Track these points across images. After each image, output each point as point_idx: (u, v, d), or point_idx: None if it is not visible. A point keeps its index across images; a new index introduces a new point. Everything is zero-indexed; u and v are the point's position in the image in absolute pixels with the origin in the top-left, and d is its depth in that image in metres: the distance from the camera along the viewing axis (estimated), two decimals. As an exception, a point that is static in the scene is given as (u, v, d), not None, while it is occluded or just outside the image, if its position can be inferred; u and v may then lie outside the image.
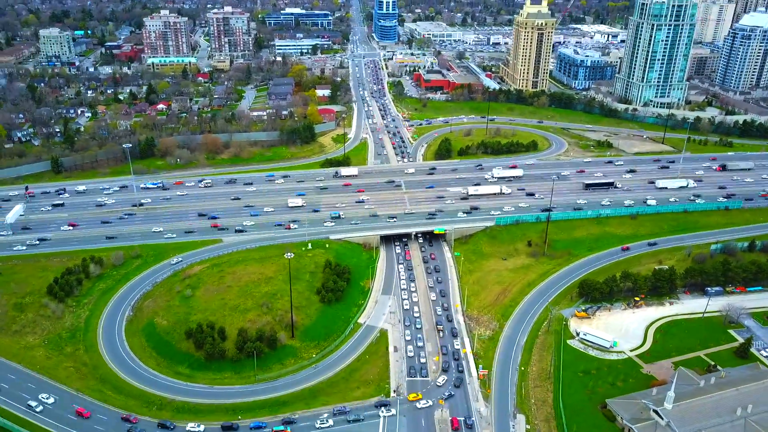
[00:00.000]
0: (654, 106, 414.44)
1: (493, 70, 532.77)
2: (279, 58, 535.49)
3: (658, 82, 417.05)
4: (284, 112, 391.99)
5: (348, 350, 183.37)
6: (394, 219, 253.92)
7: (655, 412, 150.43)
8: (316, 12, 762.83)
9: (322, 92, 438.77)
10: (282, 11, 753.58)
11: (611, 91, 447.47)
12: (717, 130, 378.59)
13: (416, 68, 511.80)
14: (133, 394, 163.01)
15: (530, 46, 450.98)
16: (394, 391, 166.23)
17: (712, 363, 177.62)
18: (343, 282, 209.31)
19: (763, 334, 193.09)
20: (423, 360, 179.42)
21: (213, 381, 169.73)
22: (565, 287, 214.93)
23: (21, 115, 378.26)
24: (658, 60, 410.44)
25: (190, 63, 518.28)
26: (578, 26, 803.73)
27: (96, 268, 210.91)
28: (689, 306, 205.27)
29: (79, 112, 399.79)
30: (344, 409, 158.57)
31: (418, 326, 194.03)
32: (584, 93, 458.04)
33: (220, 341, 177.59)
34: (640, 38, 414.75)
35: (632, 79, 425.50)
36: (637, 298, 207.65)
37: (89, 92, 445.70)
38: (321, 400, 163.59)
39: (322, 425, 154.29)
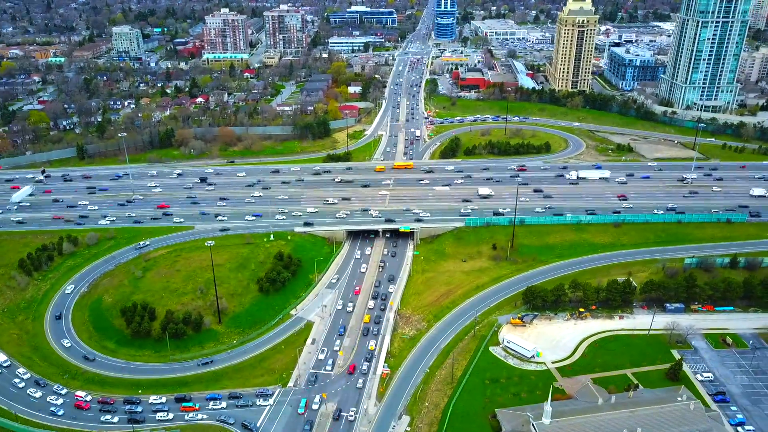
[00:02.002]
0: (698, 110, 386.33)
1: (541, 69, 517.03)
2: (325, 55, 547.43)
3: (703, 84, 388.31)
4: (310, 108, 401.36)
5: (268, 339, 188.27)
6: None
7: (534, 426, 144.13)
8: (381, 10, 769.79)
9: (354, 89, 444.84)
10: (348, 9, 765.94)
11: (656, 93, 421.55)
12: (763, 137, 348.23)
13: (457, 66, 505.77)
14: (57, 363, 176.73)
15: (570, 44, 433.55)
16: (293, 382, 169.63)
17: (635, 383, 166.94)
18: (288, 273, 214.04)
19: (710, 356, 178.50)
20: (335, 354, 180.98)
21: (132, 357, 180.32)
22: (514, 293, 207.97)
23: (73, 105, 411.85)
24: (704, 60, 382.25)
25: (242, 59, 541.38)
26: (659, 24, 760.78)
27: (69, 246, 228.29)
28: (640, 322, 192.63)
29: (125, 103, 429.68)
30: (236, 394, 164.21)
31: (346, 321, 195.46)
32: (629, 94, 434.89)
33: (149, 321, 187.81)
34: (684, 36, 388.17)
35: (676, 80, 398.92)
36: (582, 309, 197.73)
37: (142, 85, 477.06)
38: (221, 384, 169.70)
39: (215, 406, 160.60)
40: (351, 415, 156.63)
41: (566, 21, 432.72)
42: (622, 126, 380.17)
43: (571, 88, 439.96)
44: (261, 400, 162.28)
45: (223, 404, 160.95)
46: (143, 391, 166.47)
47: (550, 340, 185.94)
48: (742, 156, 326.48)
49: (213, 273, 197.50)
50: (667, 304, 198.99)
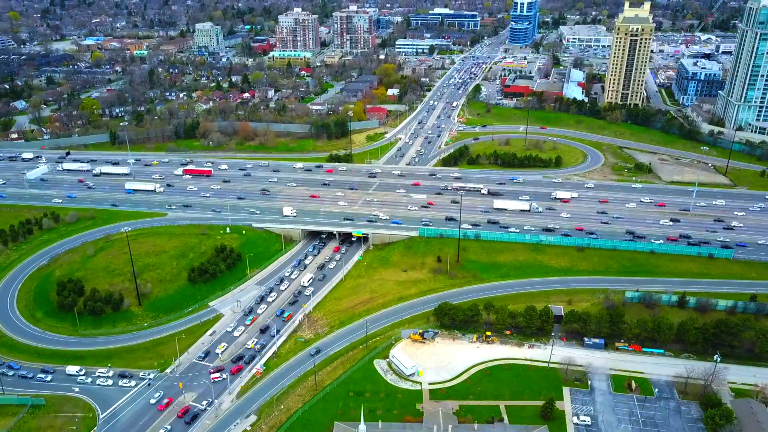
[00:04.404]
0: (752, 131, 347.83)
1: (603, 79, 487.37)
2: (382, 56, 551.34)
3: (761, 103, 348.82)
4: (341, 108, 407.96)
5: (175, 325, 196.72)
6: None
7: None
8: (464, 13, 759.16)
9: (393, 91, 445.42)
10: (431, 11, 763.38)
11: (713, 111, 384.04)
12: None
13: (510, 72, 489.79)
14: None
15: (622, 53, 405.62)
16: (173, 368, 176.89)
17: (501, 416, 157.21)
18: (223, 266, 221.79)
19: (603, 400, 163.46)
20: (227, 346, 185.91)
21: (49, 327, 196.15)
22: (431, 309, 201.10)
23: (131, 95, 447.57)
24: (762, 76, 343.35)
25: (304, 57, 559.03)
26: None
27: (49, 222, 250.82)
28: (548, 353, 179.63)
29: (180, 95, 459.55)
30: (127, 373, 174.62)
31: (252, 317, 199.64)
32: (686, 110, 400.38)
33: (75, 296, 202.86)
34: (742, 49, 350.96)
35: (731, 97, 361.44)
36: (488, 333, 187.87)
37: (203, 79, 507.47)
38: (111, 361, 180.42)
39: (82, 378, 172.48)
40: (202, 407, 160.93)
41: (619, 29, 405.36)
42: (661, 144, 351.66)
43: (621, 100, 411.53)
44: (128, 381, 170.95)
45: (91, 380, 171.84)
46: (43, 360, 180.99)
47: (441, 361, 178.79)
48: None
49: (131, 259, 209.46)
50: (586, 339, 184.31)
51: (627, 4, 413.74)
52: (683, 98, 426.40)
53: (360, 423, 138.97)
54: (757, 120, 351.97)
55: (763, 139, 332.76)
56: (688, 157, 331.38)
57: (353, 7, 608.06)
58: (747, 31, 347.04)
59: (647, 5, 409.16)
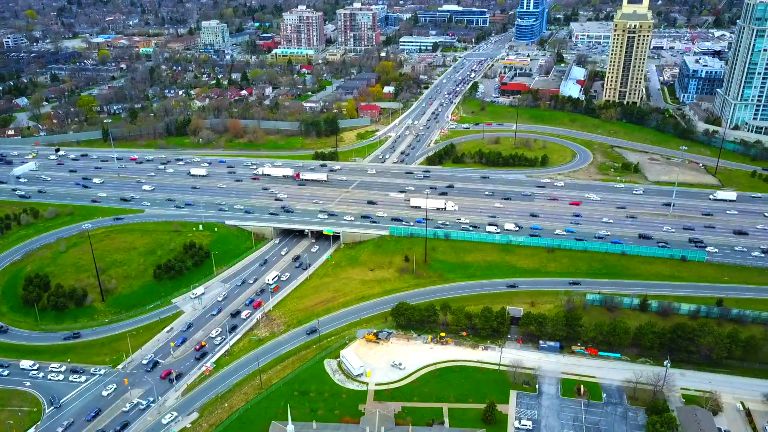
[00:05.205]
0: (748, 130, 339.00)
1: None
2: (384, 54, 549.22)
3: (758, 101, 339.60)
4: (334, 105, 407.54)
5: (135, 321, 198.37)
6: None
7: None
8: (473, 10, 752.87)
9: (389, 89, 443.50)
10: (439, 8, 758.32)
11: (710, 109, 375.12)
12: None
13: (511, 69, 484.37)
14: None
15: (619, 50, 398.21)
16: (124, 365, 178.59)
17: (442, 419, 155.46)
18: (190, 263, 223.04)
19: (549, 404, 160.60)
20: (182, 343, 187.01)
21: (12, 322, 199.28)
22: (389, 308, 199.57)
23: (131, 92, 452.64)
24: (759, 74, 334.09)
25: (306, 55, 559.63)
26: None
27: (27, 218, 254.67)
28: (504, 356, 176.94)
29: (180, 93, 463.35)
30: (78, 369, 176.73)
31: (212, 315, 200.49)
32: (684, 109, 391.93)
33: (39, 291, 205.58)
34: (740, 46, 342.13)
35: (728, 95, 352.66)
36: (443, 334, 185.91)
37: (204, 77, 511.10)
38: (67, 356, 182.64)
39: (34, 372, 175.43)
40: (146, 404, 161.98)
41: (616, 25, 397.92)
42: (655, 143, 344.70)
43: (619, 98, 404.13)
44: (78, 376, 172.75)
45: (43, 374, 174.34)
46: (1, 354, 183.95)
47: (391, 361, 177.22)
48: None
49: (93, 255, 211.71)
50: (541, 341, 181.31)
51: (625, 0, 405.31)
52: (684, 96, 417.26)
53: (288, 423, 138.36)
54: (754, 119, 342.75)
55: (758, 139, 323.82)
56: (679, 157, 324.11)
57: (357, 4, 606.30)
58: (744, 28, 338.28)
59: (646, 1, 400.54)
